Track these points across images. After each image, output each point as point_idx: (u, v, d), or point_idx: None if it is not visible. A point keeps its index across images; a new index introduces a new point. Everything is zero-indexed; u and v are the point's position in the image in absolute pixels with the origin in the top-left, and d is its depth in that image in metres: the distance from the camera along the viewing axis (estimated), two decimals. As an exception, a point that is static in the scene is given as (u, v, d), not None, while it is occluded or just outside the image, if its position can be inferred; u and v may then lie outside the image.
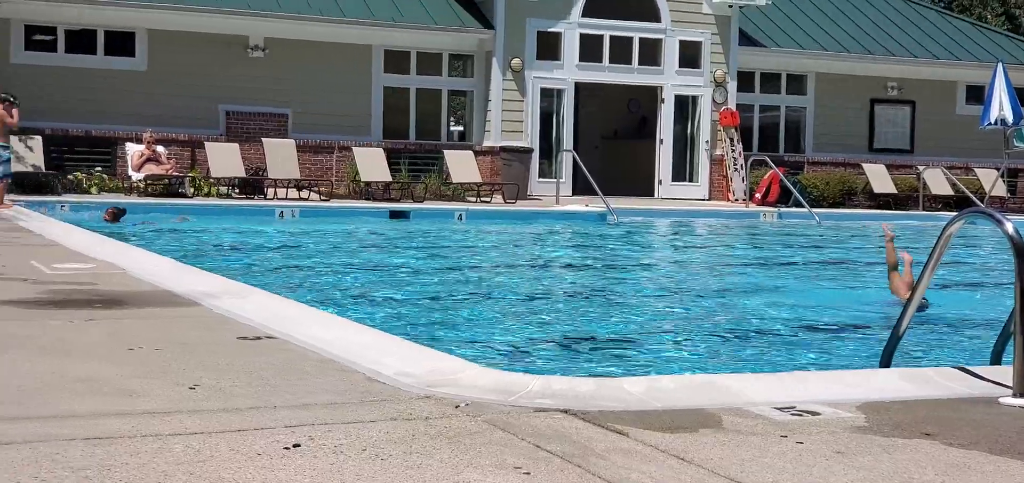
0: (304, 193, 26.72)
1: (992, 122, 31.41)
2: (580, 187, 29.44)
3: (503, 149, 29.52)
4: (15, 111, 21.09)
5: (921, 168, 32.73)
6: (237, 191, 26.63)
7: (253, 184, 26.63)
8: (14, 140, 23.20)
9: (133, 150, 26.16)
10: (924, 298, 12.43)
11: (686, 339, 10.83)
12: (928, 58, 34.71)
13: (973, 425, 5.59)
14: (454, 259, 18.56)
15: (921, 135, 34.89)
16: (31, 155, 25.38)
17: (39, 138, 25.63)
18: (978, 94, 35.10)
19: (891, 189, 32.04)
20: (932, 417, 5.72)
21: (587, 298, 13.73)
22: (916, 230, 25.94)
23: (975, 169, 33.92)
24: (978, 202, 31.04)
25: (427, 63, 30.31)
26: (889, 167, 32.85)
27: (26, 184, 23.89)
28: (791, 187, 29.39)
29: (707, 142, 31.73)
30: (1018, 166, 34.86)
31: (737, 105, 32.06)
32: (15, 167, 22.69)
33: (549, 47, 30.33)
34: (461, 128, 31.98)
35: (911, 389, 6.34)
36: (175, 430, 5.03)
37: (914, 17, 36.86)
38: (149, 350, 6.87)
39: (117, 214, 20.11)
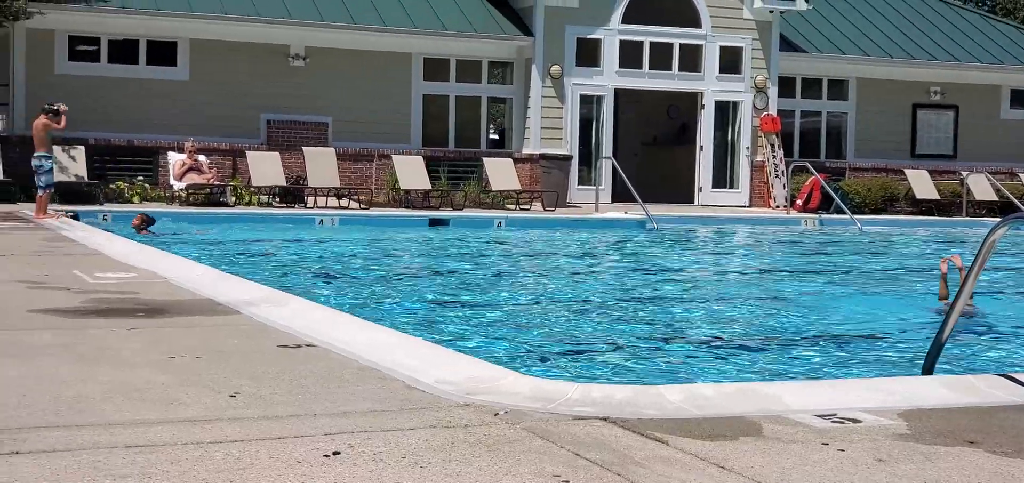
0: (344, 201, 26.79)
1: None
2: (619, 194, 29.39)
3: (542, 156, 29.51)
4: (62, 119, 21.21)
5: (964, 173, 32.49)
6: (277, 200, 26.74)
7: (293, 193, 26.74)
8: (57, 150, 23.37)
9: (175, 159, 26.31)
10: (971, 304, 12.42)
11: (726, 346, 10.78)
12: (971, 62, 34.45)
13: (1018, 433, 5.55)
14: (493, 266, 18.57)
15: (964, 140, 34.63)
16: (74, 165, 25.58)
17: (82, 148, 25.82)
18: (1022, 98, 34.88)
19: (934, 195, 31.81)
20: (975, 425, 5.68)
21: (625, 305, 13.69)
22: (958, 237, 25.80)
23: (1020, 174, 33.65)
24: (1023, 208, 30.77)
25: (466, 71, 30.34)
26: (932, 172, 32.63)
27: (69, 194, 24.04)
28: (832, 193, 29.23)
29: (748, 148, 31.62)
30: (1063, 171, 34.56)
31: (778, 110, 31.93)
32: (58, 177, 22.85)
33: (589, 54, 30.31)
34: (498, 136, 31.98)
35: (954, 397, 6.29)
36: (216, 438, 5.05)
37: (957, 20, 36.62)
38: (190, 358, 6.91)
39: (145, 222, 20.19)
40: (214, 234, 20.98)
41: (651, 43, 30.74)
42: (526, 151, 29.92)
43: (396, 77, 29.42)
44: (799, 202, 30.27)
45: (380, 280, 15.36)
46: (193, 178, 25.97)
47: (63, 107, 21.21)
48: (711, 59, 31.29)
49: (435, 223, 24.35)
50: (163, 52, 27.88)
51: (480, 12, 30.49)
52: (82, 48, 27.48)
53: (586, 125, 30.48)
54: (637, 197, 25.94)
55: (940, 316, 9.09)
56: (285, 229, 22.49)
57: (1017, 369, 7.36)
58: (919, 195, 31.71)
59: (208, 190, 25.98)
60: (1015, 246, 22.40)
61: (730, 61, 31.49)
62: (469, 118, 30.51)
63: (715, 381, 8.18)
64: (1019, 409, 6.09)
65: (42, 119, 20.79)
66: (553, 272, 17.69)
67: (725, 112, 31.74)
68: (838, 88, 33.76)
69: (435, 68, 30.01)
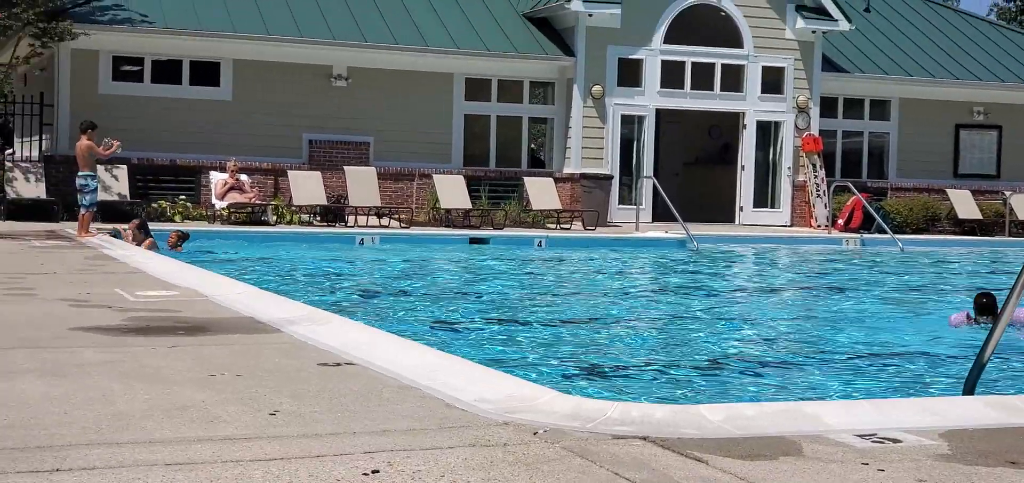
0: (384, 220, 26.86)
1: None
2: (660, 214, 29.33)
3: (583, 176, 29.51)
4: (105, 148, 21.28)
5: (1007, 194, 32.27)
6: (319, 219, 26.84)
7: (334, 212, 26.83)
8: (100, 170, 23.54)
9: (217, 179, 26.46)
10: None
11: (767, 366, 10.75)
12: (1016, 83, 34.22)
13: (1059, 454, 5.50)
14: (533, 286, 18.57)
15: (1008, 160, 34.39)
16: (116, 184, 25.77)
17: (124, 167, 26.00)
18: (1066, 118, 34.63)
19: (976, 215, 31.61)
20: (1018, 445, 5.63)
21: (666, 325, 13.67)
22: (1001, 256, 25.62)
23: (1063, 194, 33.41)
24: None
25: (508, 91, 30.38)
26: (974, 193, 32.43)
27: (111, 213, 24.20)
28: (874, 213, 29.08)
29: (789, 168, 31.51)
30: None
31: (820, 130, 31.81)
32: (101, 196, 23.02)
33: (630, 74, 30.29)
34: (538, 154, 31.99)
35: (996, 417, 6.25)
36: (255, 456, 5.07)
37: (1001, 41, 36.39)
38: (230, 376, 6.94)
39: (181, 239, 20.33)
40: (254, 251, 21.07)
41: (693, 63, 30.70)
42: (567, 171, 29.92)
43: (438, 97, 29.50)
44: (840, 222, 30.13)
45: (420, 299, 15.39)
46: (235, 197, 26.10)
47: (116, 143, 21.23)
48: (753, 79, 31.20)
49: (475, 242, 24.36)
50: (206, 72, 28.04)
51: (522, 32, 30.54)
52: (126, 69, 27.67)
53: (627, 145, 30.44)
54: (678, 216, 25.89)
55: (982, 336, 9.03)
56: (326, 248, 22.56)
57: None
58: (961, 215, 31.51)
59: (250, 209, 26.11)
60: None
61: (772, 81, 31.39)
62: (510, 138, 30.53)
63: (755, 401, 8.14)
64: (1062, 430, 6.04)
65: (85, 140, 20.94)
66: (593, 291, 17.67)
67: (767, 132, 31.64)
68: (880, 108, 33.60)
69: (476, 88, 30.06)
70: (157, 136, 27.26)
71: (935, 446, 5.55)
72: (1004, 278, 17.50)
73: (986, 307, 12.47)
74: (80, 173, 20.89)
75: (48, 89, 27.34)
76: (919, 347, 11.97)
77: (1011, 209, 31.72)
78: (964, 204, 31.70)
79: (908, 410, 6.41)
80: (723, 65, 30.99)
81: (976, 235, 30.78)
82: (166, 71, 27.79)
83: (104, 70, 27.30)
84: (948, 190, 32.38)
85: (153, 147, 27.22)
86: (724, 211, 31.35)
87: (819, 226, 30.57)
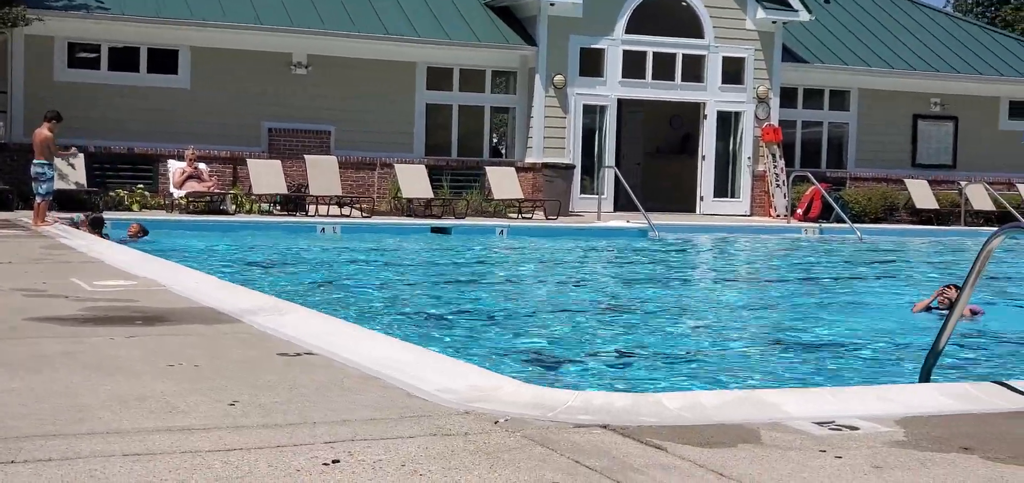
0: (346, 210, 26.79)
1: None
2: (622, 203, 29.40)
3: (545, 165, 29.54)
4: (67, 152, 21.22)
5: (963, 184, 32.53)
6: (279, 208, 26.74)
7: (295, 201, 26.73)
8: (57, 158, 23.36)
9: (175, 167, 26.31)
10: (979, 308, 12.56)
11: (726, 354, 10.80)
12: (971, 74, 34.49)
13: (1013, 440, 5.56)
14: (495, 275, 18.58)
15: (964, 151, 34.66)
16: (73, 172, 25.55)
17: (81, 156, 25.80)
18: (1021, 109, 34.95)
19: (933, 204, 31.85)
20: (971, 432, 5.69)
21: (627, 314, 13.71)
22: (957, 246, 25.82)
23: (1017, 185, 33.68)
24: (1020, 218, 30.83)
25: (470, 80, 30.35)
26: (931, 183, 32.67)
27: (68, 202, 24.04)
28: (833, 203, 29.24)
29: (749, 158, 31.64)
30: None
31: (779, 121, 31.95)
32: (58, 185, 22.85)
33: (592, 64, 30.32)
34: (498, 147, 31.98)
35: (951, 404, 6.31)
36: (215, 446, 5.06)
37: (958, 33, 36.65)
38: (189, 366, 6.92)
39: (141, 232, 20.21)
40: (213, 240, 20.98)
41: (654, 53, 30.76)
42: (529, 160, 29.93)
43: (399, 86, 29.44)
44: (800, 211, 30.31)
45: (381, 288, 15.37)
46: (193, 186, 25.97)
47: (73, 149, 21.16)
48: (714, 69, 31.30)
49: (437, 231, 24.35)
50: (164, 60, 27.88)
51: (484, 21, 30.51)
52: (82, 55, 27.47)
53: (589, 135, 30.48)
54: (639, 206, 25.95)
55: (937, 324, 9.10)
56: (286, 237, 22.48)
57: (1013, 377, 7.38)
58: (919, 205, 31.74)
59: (208, 198, 25.99)
60: (1012, 255, 22.41)
61: (733, 71, 31.50)
62: (472, 127, 30.51)
63: (715, 389, 8.19)
64: (1014, 416, 6.10)
65: (46, 129, 20.78)
66: (554, 281, 17.70)
67: (727, 122, 31.75)
68: (840, 98, 33.78)
69: (438, 77, 30.02)
70: (114, 124, 27.09)
71: (891, 433, 5.60)
72: (960, 268, 17.63)
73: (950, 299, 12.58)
74: (36, 161, 20.75)
75: (1, 76, 27.07)
76: (877, 335, 12.05)
77: (966, 199, 31.98)
78: (921, 194, 31.95)
79: (865, 398, 6.46)
80: (684, 55, 31.07)
81: (933, 224, 31.02)
82: (123, 58, 27.60)
83: (60, 57, 27.08)
84: (906, 180, 32.61)
85: (110, 135, 27.05)
86: (685, 201, 31.46)
87: (778, 215, 30.73)
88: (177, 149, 26.94)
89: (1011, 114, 35.09)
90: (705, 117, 31.48)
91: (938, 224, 31.16)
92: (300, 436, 5.28)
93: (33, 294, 10.46)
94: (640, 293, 15.97)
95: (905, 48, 34.72)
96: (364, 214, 26.58)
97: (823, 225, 28.66)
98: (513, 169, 29.25)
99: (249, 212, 26.02)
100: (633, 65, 30.57)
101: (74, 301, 9.98)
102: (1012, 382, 6.82)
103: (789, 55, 32.46)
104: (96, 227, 19.68)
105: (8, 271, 12.60)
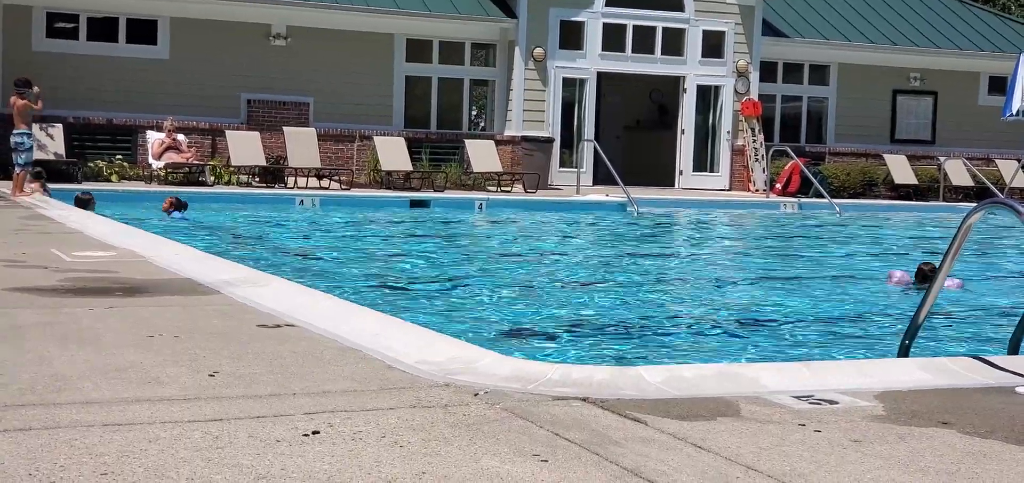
0: (325, 182, 26.75)
1: (1014, 113, 31.17)
2: (601, 177, 29.39)
3: (524, 139, 29.51)
4: (39, 101, 21.04)
5: (942, 159, 32.62)
6: (257, 180, 26.68)
7: (274, 172, 26.67)
8: (36, 128, 23.25)
9: (154, 138, 26.23)
10: (960, 281, 12.65)
11: (705, 328, 10.83)
12: (951, 49, 34.55)
13: (990, 414, 5.59)
14: (474, 248, 18.58)
15: (943, 126, 34.73)
16: (52, 143, 25.45)
17: (60, 126, 25.70)
18: (1000, 85, 34.91)
19: (912, 180, 31.94)
20: (949, 406, 5.72)
21: (606, 287, 13.73)
22: (935, 221, 25.91)
23: (996, 160, 33.79)
24: (998, 193, 30.92)
25: (449, 52, 30.28)
26: (910, 158, 32.74)
27: (48, 172, 23.90)
28: (812, 178, 29.31)
29: (728, 132, 31.66)
30: (1041, 157, 34.68)
31: (759, 95, 31.97)
32: (37, 155, 22.74)
33: (572, 37, 30.28)
34: (477, 121, 31.94)
35: (928, 378, 6.34)
36: (194, 417, 5.06)
37: (937, 7, 36.70)
38: (168, 337, 6.91)
39: (175, 205, 19.85)
40: (192, 212, 20.91)
41: (634, 27, 30.72)
42: (508, 133, 29.90)
43: (378, 58, 29.36)
44: (779, 186, 30.35)
45: (361, 261, 15.36)
46: (172, 157, 25.89)
47: (37, 89, 21.02)
48: (694, 43, 31.29)
49: (416, 204, 24.34)
50: (143, 30, 27.73)
51: (462, -7, 30.44)
52: (60, 25, 27.30)
53: (568, 108, 30.45)
54: (618, 180, 25.96)
55: (916, 298, 9.14)
56: (265, 209, 22.45)
57: (990, 352, 7.42)
58: (898, 180, 31.83)
59: (187, 169, 25.91)
60: (990, 231, 22.50)
61: (713, 45, 31.50)
62: (451, 100, 30.45)
63: (694, 362, 8.21)
64: (991, 391, 6.14)
65: (17, 98, 20.64)
66: (534, 254, 17.71)
67: (707, 96, 31.75)
68: (819, 73, 33.81)
69: (418, 49, 29.94)
70: (93, 94, 26.96)
71: (870, 407, 5.63)
72: (939, 243, 17.71)
73: (927, 277, 12.63)
74: (15, 131, 20.65)
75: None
76: (856, 310, 12.10)
77: (945, 175, 32.08)
78: (900, 169, 32.02)
79: (844, 372, 6.49)
80: (664, 29, 31.03)
81: (912, 200, 31.11)
82: (102, 28, 27.44)
83: (38, 26, 26.91)
84: (885, 155, 32.67)
85: (89, 106, 26.91)
86: (664, 175, 31.47)
87: (757, 190, 30.76)
88: (156, 120, 26.84)
89: (990, 89, 35.13)
90: (685, 91, 31.48)
91: (917, 199, 31.26)
92: (280, 407, 5.28)
93: (12, 264, 10.42)
94: (618, 266, 15.99)
95: (885, 23, 34.76)
96: (343, 187, 26.53)
97: (802, 200, 28.73)
98: (492, 142, 29.21)
99: (228, 184, 25.95)
100: (613, 38, 30.52)
101: (53, 272, 9.94)
102: (989, 357, 6.86)
103: (769, 29, 32.47)
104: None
105: (-14, 241, 12.54)
